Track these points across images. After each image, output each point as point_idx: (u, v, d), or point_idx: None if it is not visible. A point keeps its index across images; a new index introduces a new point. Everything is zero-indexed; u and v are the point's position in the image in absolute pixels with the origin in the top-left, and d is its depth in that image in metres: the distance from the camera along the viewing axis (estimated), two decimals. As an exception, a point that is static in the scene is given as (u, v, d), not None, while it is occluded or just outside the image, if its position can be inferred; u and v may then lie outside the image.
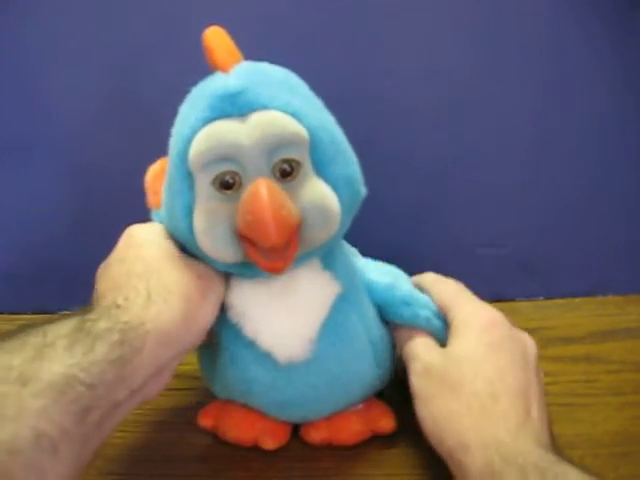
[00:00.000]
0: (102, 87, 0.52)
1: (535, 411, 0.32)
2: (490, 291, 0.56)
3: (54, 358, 0.27)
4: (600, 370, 0.45)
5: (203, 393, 0.41)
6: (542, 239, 0.55)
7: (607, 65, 0.51)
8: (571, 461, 0.29)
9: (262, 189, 0.30)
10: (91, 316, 0.29)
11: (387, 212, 0.54)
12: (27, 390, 0.25)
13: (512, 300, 0.56)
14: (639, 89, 0.52)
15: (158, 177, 0.38)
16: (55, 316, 0.29)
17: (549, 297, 0.56)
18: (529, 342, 0.36)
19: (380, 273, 0.39)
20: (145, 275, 0.32)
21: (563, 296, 0.55)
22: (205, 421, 0.40)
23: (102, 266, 0.35)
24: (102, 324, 0.29)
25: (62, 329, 0.28)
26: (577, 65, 0.51)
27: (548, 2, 0.50)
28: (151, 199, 0.39)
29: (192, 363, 0.41)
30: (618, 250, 0.55)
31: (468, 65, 0.51)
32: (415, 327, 0.37)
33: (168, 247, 0.35)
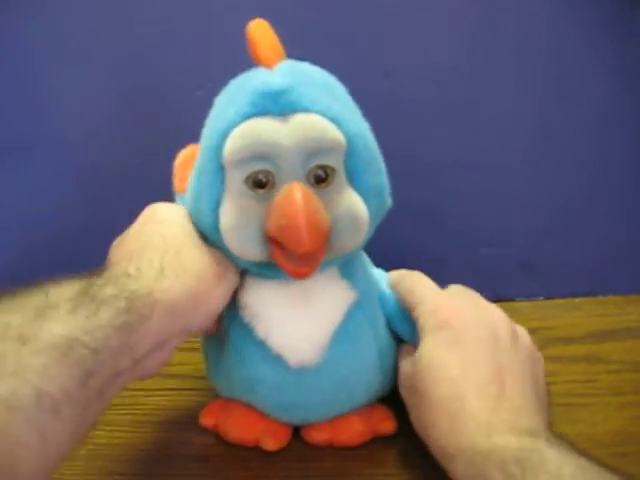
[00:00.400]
0: (103, 87, 0.52)
1: (511, 389, 0.32)
2: (490, 291, 0.56)
3: (56, 319, 0.26)
4: (600, 370, 0.45)
5: (204, 393, 0.41)
6: (542, 239, 0.55)
7: (607, 65, 0.51)
8: (551, 438, 0.29)
9: (297, 194, 0.30)
10: (98, 281, 0.29)
11: (387, 212, 0.54)
12: (26, 348, 0.25)
13: (512, 300, 0.56)
14: (639, 89, 0.52)
15: (187, 163, 0.37)
16: (60, 278, 0.29)
17: (549, 297, 0.56)
18: (498, 317, 0.35)
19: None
20: (161, 250, 0.32)
21: (563, 296, 0.55)
22: (206, 420, 0.40)
23: (118, 238, 0.35)
24: (108, 290, 0.28)
25: (66, 292, 0.28)
26: (577, 65, 0.51)
27: (548, 2, 0.50)
28: (177, 185, 0.39)
29: (192, 363, 0.41)
30: (618, 250, 0.55)
31: (468, 65, 0.52)
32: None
33: (190, 228, 0.35)
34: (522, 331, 0.36)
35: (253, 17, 0.49)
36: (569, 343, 0.49)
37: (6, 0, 0.50)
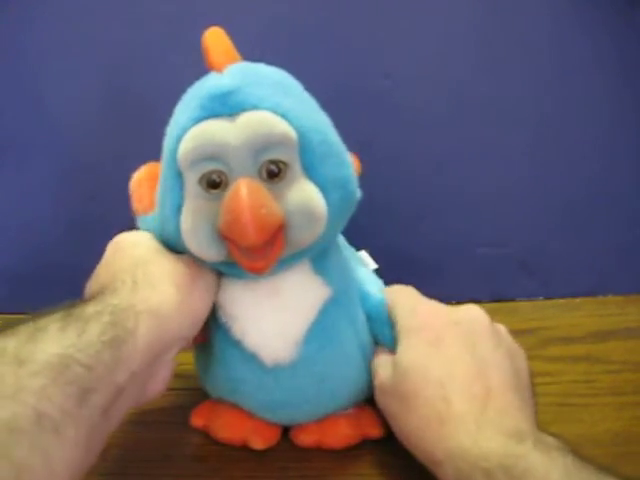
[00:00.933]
0: (101, 88, 0.52)
1: (496, 387, 0.31)
2: (490, 291, 0.56)
3: (48, 340, 0.27)
4: (600, 370, 0.45)
5: (201, 393, 0.41)
6: (542, 239, 0.55)
7: (608, 65, 0.51)
8: (540, 439, 0.28)
9: (242, 188, 0.30)
10: (80, 304, 0.29)
11: (387, 212, 0.54)
12: (24, 370, 0.25)
13: (512, 300, 0.56)
14: (639, 88, 0.52)
15: (142, 183, 0.38)
16: (42, 310, 0.29)
17: (549, 297, 0.56)
18: (473, 314, 0.35)
19: (377, 288, 0.40)
20: (131, 268, 0.33)
21: (563, 296, 0.55)
22: (197, 421, 0.40)
23: (90, 278, 0.35)
24: (91, 308, 0.29)
25: (52, 317, 0.28)
26: (577, 65, 0.51)
27: (548, 2, 0.50)
28: (136, 206, 0.39)
29: (191, 363, 0.41)
30: (618, 250, 0.55)
31: (467, 65, 0.52)
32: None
33: (155, 245, 0.35)
34: (500, 327, 0.36)
35: (253, 20, 0.50)
36: (569, 343, 0.49)
37: (3, 1, 0.50)
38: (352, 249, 0.43)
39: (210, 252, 0.32)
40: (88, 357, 0.27)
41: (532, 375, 0.34)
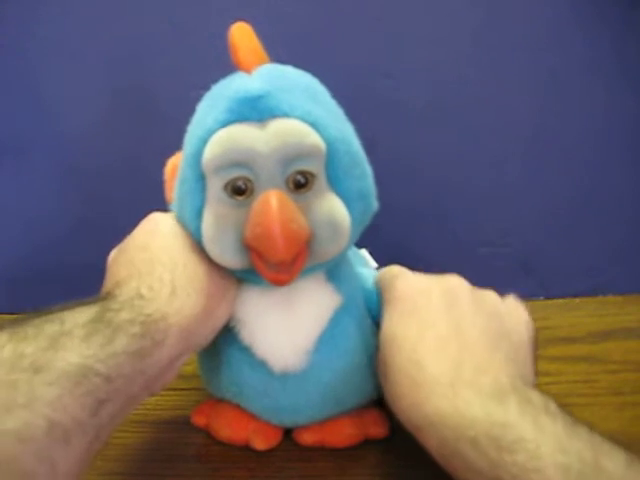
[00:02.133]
0: (103, 87, 0.52)
1: (472, 346, 0.30)
2: (490, 291, 0.56)
3: (70, 348, 0.26)
4: (600, 370, 0.45)
5: (203, 393, 0.41)
6: (542, 239, 0.55)
7: (607, 65, 0.51)
8: (524, 397, 0.27)
9: (273, 201, 0.29)
10: (113, 305, 0.28)
11: (387, 212, 0.54)
12: (39, 378, 0.24)
13: (512, 300, 0.56)
14: (639, 89, 0.52)
15: (175, 172, 0.36)
16: (74, 302, 0.28)
17: (549, 297, 0.56)
18: (454, 281, 0.34)
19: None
20: (170, 265, 0.31)
21: (563, 296, 0.56)
22: (198, 419, 0.40)
23: (118, 250, 0.34)
24: (124, 315, 0.28)
25: (81, 317, 0.27)
26: (577, 65, 0.51)
27: (549, 3, 0.50)
28: (169, 195, 0.38)
29: (192, 363, 0.41)
30: (618, 250, 0.55)
31: (468, 65, 0.52)
32: None
33: (191, 242, 0.34)
34: (487, 292, 0.35)
35: (253, 20, 0.50)
36: (569, 343, 0.49)
37: (4, 1, 0.50)
38: (353, 247, 0.43)
39: (233, 260, 0.32)
40: (108, 368, 0.26)
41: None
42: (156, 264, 0.31)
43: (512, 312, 0.34)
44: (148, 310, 0.29)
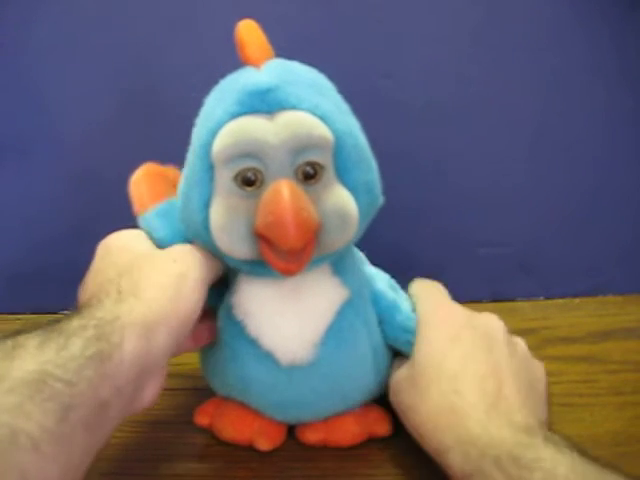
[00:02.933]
0: (104, 87, 0.52)
1: (508, 388, 0.32)
2: (490, 291, 0.56)
3: (25, 357, 0.26)
4: (600, 370, 0.45)
5: (203, 393, 0.41)
6: (542, 239, 0.55)
7: (608, 65, 0.51)
8: (549, 436, 0.29)
9: (284, 190, 0.30)
10: (63, 318, 0.29)
11: (387, 212, 0.53)
12: None
13: (512, 300, 0.56)
14: (639, 88, 0.52)
15: (141, 183, 0.38)
16: (24, 329, 0.28)
17: (549, 297, 0.56)
18: (492, 321, 0.36)
19: (386, 286, 0.39)
20: (116, 278, 0.32)
21: (563, 296, 0.56)
22: (201, 419, 0.40)
23: (82, 284, 0.35)
24: (75, 322, 0.28)
25: (33, 332, 0.28)
26: (578, 65, 0.51)
27: (549, 3, 0.50)
28: (136, 206, 0.38)
29: (192, 363, 0.41)
30: (618, 250, 0.55)
31: (468, 65, 0.52)
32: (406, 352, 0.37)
33: (140, 248, 0.35)
34: (518, 339, 0.37)
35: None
36: (569, 343, 0.49)
37: (4, 1, 0.50)
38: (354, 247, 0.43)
39: (242, 250, 0.32)
40: (68, 372, 0.26)
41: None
42: (103, 283, 0.32)
43: (536, 363, 0.36)
44: (99, 314, 0.29)
